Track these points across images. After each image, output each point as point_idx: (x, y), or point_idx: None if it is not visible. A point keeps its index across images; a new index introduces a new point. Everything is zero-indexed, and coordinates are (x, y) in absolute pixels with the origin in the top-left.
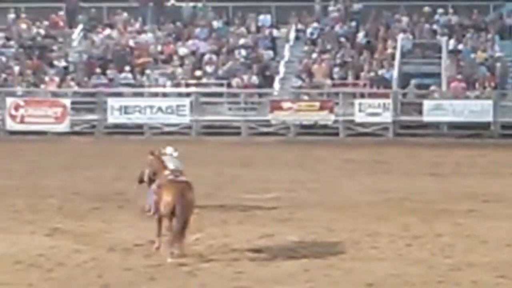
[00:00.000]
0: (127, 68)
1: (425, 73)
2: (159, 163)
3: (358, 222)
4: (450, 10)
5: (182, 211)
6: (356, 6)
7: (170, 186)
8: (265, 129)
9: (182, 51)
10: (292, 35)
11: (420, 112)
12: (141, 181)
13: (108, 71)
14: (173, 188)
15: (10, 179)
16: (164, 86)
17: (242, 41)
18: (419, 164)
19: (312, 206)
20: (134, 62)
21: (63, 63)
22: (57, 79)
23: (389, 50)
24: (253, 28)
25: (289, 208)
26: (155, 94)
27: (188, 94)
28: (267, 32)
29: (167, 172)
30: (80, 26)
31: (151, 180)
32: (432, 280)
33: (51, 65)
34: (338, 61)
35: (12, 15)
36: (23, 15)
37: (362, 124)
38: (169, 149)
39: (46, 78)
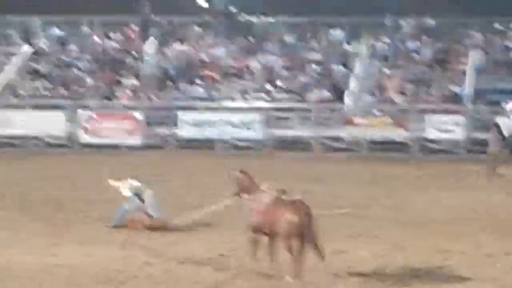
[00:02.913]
0: (199, 82)
1: (498, 90)
2: (249, 182)
3: (430, 239)
4: None
5: (311, 229)
6: (429, 22)
7: (292, 206)
8: (337, 145)
9: (254, 65)
10: (364, 50)
11: None
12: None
13: (180, 85)
14: (296, 207)
15: (83, 191)
16: (235, 100)
17: (314, 56)
18: (493, 181)
19: (384, 222)
20: (205, 76)
21: (135, 77)
22: (129, 92)
23: (462, 66)
24: (325, 43)
25: (361, 224)
26: (227, 109)
27: (259, 109)
28: (339, 47)
29: (271, 190)
30: (153, 40)
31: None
32: None
33: (124, 79)
34: (410, 77)
35: (85, 28)
36: (96, 28)
37: (434, 141)
38: (134, 183)
39: (119, 92)
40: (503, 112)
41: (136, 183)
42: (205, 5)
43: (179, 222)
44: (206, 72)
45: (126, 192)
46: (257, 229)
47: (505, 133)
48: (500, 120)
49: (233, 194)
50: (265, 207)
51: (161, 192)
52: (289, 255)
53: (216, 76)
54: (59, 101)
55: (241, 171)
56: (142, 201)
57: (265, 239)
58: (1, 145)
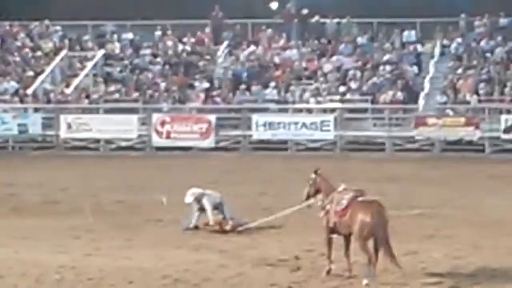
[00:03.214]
0: (272, 84)
1: None
2: (325, 183)
3: (505, 239)
4: None
5: (384, 231)
6: (502, 21)
7: (367, 207)
8: (409, 145)
9: (327, 67)
10: (437, 50)
11: None
12: (308, 197)
13: (253, 87)
14: (371, 209)
15: (156, 194)
16: (308, 102)
17: (386, 57)
18: None
19: (457, 223)
20: (278, 78)
21: (208, 80)
22: (202, 95)
23: None
24: (397, 44)
25: (434, 225)
26: (300, 110)
27: (332, 110)
28: (411, 47)
29: (348, 191)
30: (225, 43)
31: (308, 198)
32: None
33: (196, 82)
34: (483, 76)
35: (158, 32)
36: (169, 32)
37: (508, 140)
38: (196, 190)
39: (192, 95)
40: None
41: (197, 190)
42: (277, 7)
43: (255, 225)
44: (279, 75)
45: (188, 199)
46: (333, 230)
47: None
48: None
49: (308, 196)
50: (341, 208)
51: (235, 195)
52: (364, 256)
53: (289, 78)
54: (132, 104)
55: (317, 173)
56: (202, 206)
57: (340, 240)
58: (75, 148)
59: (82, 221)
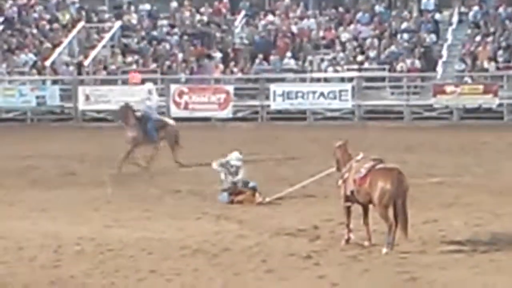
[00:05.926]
0: (289, 54)
1: None
2: (342, 152)
3: None
4: None
5: (404, 198)
6: None
7: (387, 174)
8: (428, 114)
9: (344, 36)
10: (455, 18)
11: None
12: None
13: (270, 57)
14: (391, 176)
15: (175, 165)
16: (326, 71)
17: (404, 25)
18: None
19: (477, 191)
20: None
21: (225, 50)
22: (220, 65)
23: None
24: (415, 12)
25: (454, 192)
26: (317, 80)
27: (350, 79)
28: (429, 15)
29: (366, 160)
30: (243, 13)
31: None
32: None
33: (214, 52)
34: (502, 44)
35: (175, 3)
36: (186, 3)
37: None
38: (235, 155)
39: (209, 65)
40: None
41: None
42: None
43: (281, 195)
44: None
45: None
46: (351, 199)
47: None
48: (150, 103)
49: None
50: (359, 176)
51: (253, 165)
52: (385, 224)
53: (306, 48)
54: (150, 75)
55: (341, 144)
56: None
57: (359, 209)
58: (93, 120)
59: (101, 192)
